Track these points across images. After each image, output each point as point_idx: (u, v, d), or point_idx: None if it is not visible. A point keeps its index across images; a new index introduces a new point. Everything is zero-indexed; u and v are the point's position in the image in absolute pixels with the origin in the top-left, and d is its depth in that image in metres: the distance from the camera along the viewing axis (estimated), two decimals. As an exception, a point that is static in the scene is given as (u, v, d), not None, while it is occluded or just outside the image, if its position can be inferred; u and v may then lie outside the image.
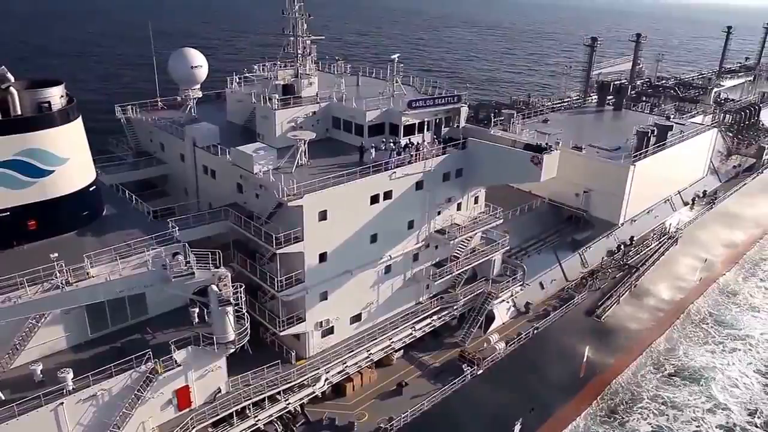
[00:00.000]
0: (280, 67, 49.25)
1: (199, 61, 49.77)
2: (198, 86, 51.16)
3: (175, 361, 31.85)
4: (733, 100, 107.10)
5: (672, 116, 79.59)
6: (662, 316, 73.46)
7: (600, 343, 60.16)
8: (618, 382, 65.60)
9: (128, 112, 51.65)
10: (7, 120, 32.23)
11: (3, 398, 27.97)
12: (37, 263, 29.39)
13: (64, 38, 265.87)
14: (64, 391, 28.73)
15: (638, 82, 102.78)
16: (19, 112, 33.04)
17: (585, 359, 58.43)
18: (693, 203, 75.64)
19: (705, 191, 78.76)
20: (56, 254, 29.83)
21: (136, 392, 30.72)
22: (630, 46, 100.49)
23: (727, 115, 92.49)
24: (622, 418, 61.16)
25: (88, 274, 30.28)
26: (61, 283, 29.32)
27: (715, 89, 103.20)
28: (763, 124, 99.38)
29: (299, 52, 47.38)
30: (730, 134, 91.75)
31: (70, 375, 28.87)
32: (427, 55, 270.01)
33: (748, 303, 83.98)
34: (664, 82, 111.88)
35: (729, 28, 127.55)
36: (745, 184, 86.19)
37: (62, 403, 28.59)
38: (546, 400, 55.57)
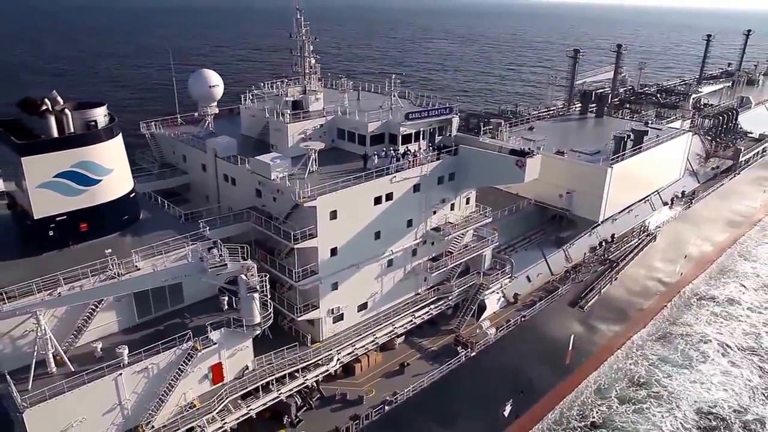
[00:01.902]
0: (288, 84, 54.78)
1: (216, 81, 55.34)
2: (215, 103, 56.74)
3: (211, 340, 37.18)
4: (712, 105, 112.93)
5: (651, 122, 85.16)
6: (642, 308, 79.07)
7: (584, 333, 65.56)
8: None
9: (152, 127, 57.14)
10: (64, 137, 37.66)
11: (73, 369, 33.30)
12: (89, 260, 34.69)
13: (58, 56, 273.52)
14: (122, 364, 34.09)
15: (621, 90, 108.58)
16: (72, 130, 38.50)
17: (570, 347, 63.79)
18: (672, 203, 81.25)
19: (684, 191, 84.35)
20: (110, 250, 35.30)
21: (179, 367, 36.07)
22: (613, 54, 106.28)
23: (706, 120, 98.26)
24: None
25: (136, 266, 35.66)
26: (116, 274, 34.71)
27: (694, 95, 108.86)
28: (740, 128, 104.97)
29: (306, 71, 53.04)
30: (709, 138, 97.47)
31: (126, 351, 34.25)
32: (414, 68, 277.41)
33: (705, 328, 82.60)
34: (646, 89, 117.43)
35: (709, 36, 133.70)
36: (722, 184, 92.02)
37: (120, 374, 33.94)
38: (534, 385, 60.74)
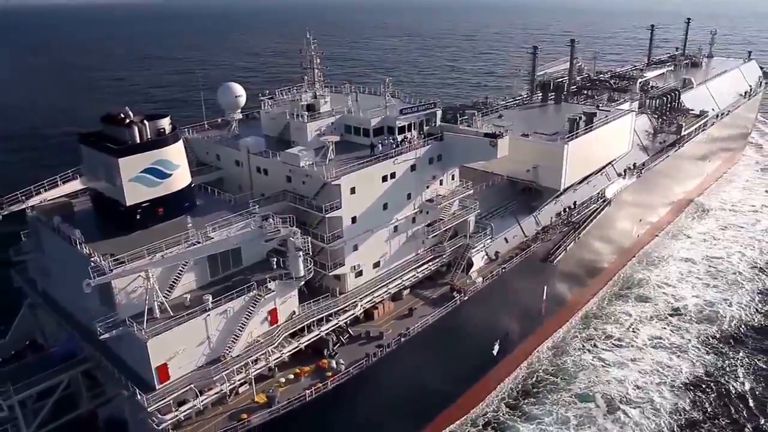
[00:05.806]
0: (299, 90, 65.96)
1: (240, 92, 66.62)
2: (239, 110, 67.87)
3: (270, 289, 48.68)
4: (658, 87, 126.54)
5: (602, 105, 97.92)
6: (604, 264, 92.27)
7: (555, 285, 78.24)
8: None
9: (185, 132, 67.91)
10: (145, 142, 48.78)
11: (172, 314, 44.52)
12: (167, 236, 45.44)
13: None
14: (207, 308, 45.45)
15: (578, 78, 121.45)
16: (149, 137, 49.60)
17: (544, 297, 76.40)
18: (625, 174, 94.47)
19: (635, 164, 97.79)
20: (190, 224, 46.63)
21: (248, 310, 47.59)
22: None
23: (652, 100, 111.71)
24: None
25: (210, 236, 46.93)
26: (197, 241, 46.01)
27: (641, 79, 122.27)
28: (683, 106, 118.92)
29: (315, 79, 64.55)
30: (656, 116, 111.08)
31: (210, 298, 45.64)
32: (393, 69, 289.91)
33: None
34: (601, 75, 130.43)
35: (652, 26, 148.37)
36: (668, 156, 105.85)
37: (208, 315, 45.35)
38: (516, 330, 73.12)
